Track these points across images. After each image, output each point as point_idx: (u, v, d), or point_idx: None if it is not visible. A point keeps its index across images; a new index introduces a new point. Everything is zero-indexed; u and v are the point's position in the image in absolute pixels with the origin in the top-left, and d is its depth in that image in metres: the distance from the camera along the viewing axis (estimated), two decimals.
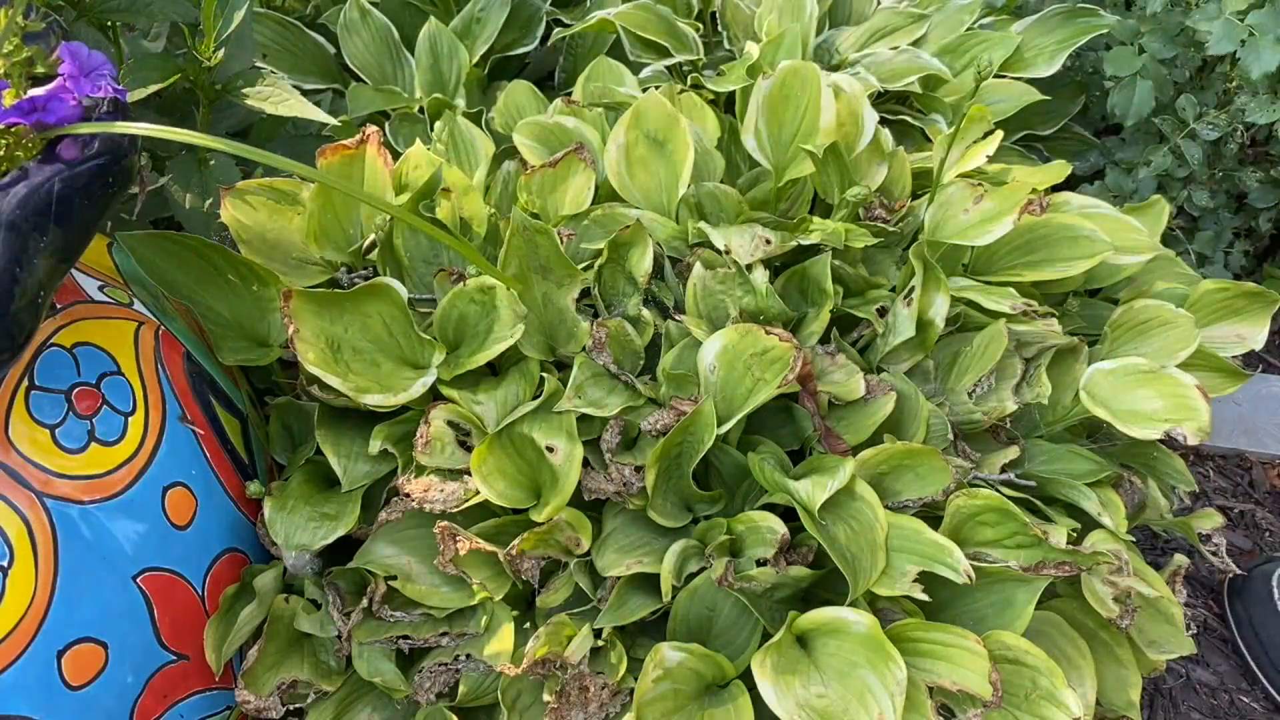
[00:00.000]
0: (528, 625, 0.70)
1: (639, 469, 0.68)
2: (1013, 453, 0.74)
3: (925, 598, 0.65)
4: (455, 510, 0.69)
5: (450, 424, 0.69)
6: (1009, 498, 0.72)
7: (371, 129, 0.78)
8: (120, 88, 0.58)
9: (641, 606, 0.67)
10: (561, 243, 0.72)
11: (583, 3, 1.13)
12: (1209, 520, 0.81)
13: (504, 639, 0.68)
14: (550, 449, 0.67)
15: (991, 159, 0.83)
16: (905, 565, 0.66)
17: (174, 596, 0.67)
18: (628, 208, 0.78)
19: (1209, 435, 0.70)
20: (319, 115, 0.85)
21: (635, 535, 0.69)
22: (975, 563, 0.66)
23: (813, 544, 0.68)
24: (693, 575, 0.67)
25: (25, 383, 0.62)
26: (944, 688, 0.63)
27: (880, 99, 1.01)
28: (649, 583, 0.68)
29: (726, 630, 0.68)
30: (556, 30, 1.08)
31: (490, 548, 0.66)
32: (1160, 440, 0.71)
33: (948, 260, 0.81)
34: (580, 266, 0.73)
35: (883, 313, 0.75)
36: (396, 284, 0.70)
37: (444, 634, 0.69)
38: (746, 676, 0.64)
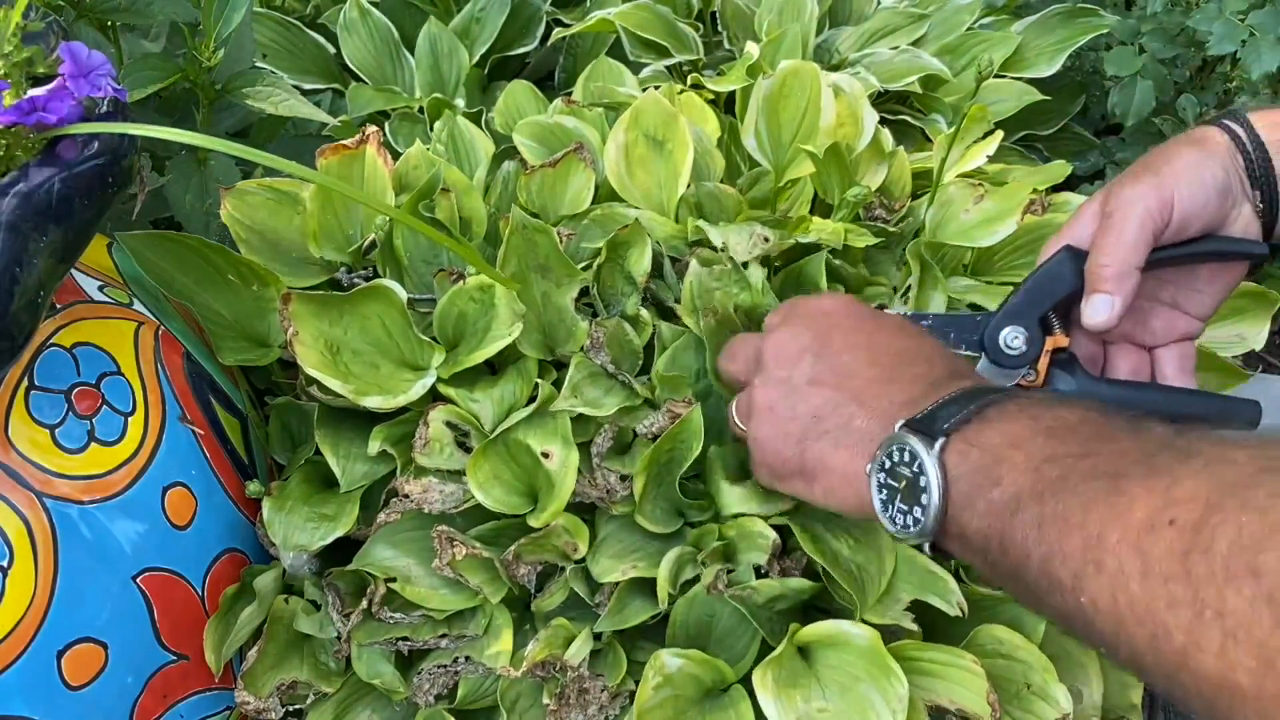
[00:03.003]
0: (527, 627, 0.70)
1: (624, 477, 0.68)
2: None
3: (915, 628, 0.65)
4: (454, 511, 0.69)
5: (449, 425, 0.68)
6: None
7: (371, 129, 0.78)
8: (120, 88, 0.58)
9: (641, 611, 0.67)
10: (561, 242, 0.72)
11: (583, 3, 1.13)
12: None
13: (503, 641, 0.68)
14: (546, 454, 0.67)
15: (991, 159, 0.83)
16: (900, 592, 0.66)
17: (174, 596, 0.67)
18: (627, 207, 0.78)
19: None
20: (319, 115, 0.85)
21: (629, 540, 0.69)
22: (987, 587, 0.66)
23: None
24: (690, 582, 0.67)
25: (25, 383, 0.62)
26: (942, 707, 0.62)
27: (880, 99, 1.01)
28: (648, 586, 0.68)
29: (726, 636, 0.67)
30: (556, 30, 1.08)
31: (487, 553, 0.66)
32: None
33: (949, 260, 0.81)
34: (580, 266, 0.73)
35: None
36: (396, 286, 0.70)
37: (443, 636, 0.69)
38: (746, 681, 0.64)
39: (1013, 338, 0.63)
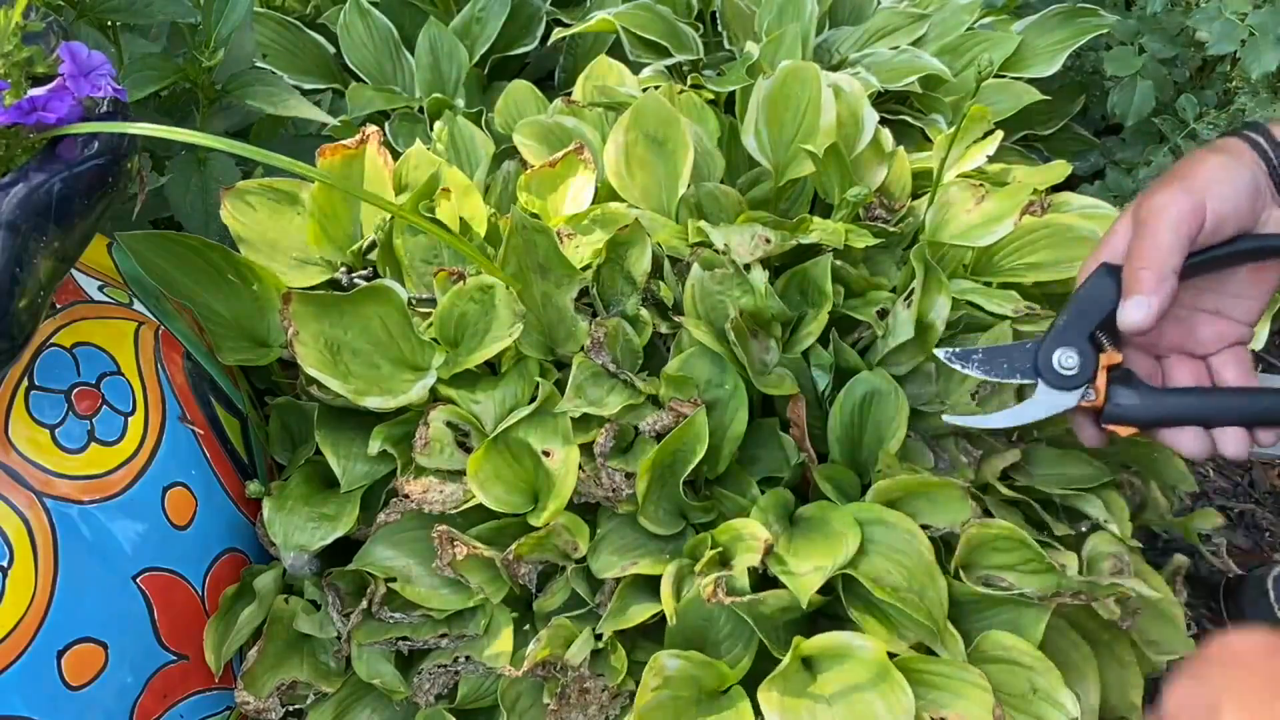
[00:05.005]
0: (527, 627, 0.70)
1: (629, 475, 0.68)
2: (1013, 456, 0.74)
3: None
4: (454, 511, 0.69)
5: (449, 425, 0.68)
6: (1008, 500, 0.72)
7: (371, 129, 0.78)
8: (120, 88, 0.58)
9: (642, 610, 0.67)
10: (561, 243, 0.71)
11: (583, 3, 1.13)
12: (1209, 520, 0.81)
13: (504, 641, 0.68)
14: (546, 453, 0.67)
15: (992, 159, 0.82)
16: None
17: (174, 596, 0.67)
18: (627, 207, 0.78)
19: None
20: (319, 115, 0.85)
21: (631, 537, 0.69)
22: (986, 588, 0.66)
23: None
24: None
25: (25, 383, 0.62)
26: None
27: (880, 99, 1.01)
28: (649, 586, 0.68)
29: (725, 639, 0.67)
30: (556, 30, 1.08)
31: (488, 553, 0.66)
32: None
33: (949, 261, 0.81)
34: (579, 266, 0.73)
35: (883, 315, 0.75)
36: (396, 286, 0.70)
37: (443, 635, 0.69)
38: (746, 682, 0.64)
39: (1065, 359, 0.63)
